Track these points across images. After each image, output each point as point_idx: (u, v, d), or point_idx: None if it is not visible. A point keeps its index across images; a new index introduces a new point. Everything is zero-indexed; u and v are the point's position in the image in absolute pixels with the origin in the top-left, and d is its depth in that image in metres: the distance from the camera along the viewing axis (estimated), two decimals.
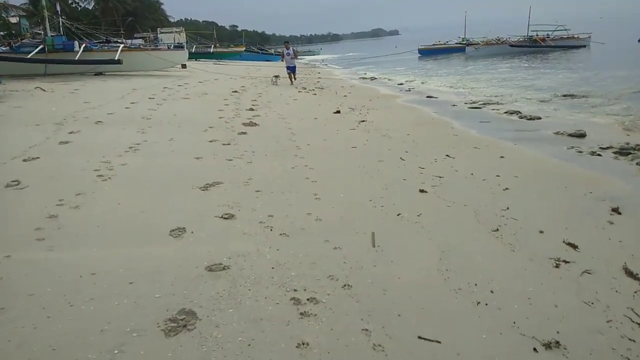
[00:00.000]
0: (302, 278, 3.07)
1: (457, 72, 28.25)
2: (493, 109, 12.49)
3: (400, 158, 6.62)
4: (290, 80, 18.71)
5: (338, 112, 11.18)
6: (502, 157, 6.85)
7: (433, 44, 50.96)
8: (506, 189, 5.26)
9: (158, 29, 59.37)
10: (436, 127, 9.56)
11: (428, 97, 15.87)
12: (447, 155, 6.83)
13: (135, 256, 3.33)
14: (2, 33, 36.37)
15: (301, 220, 4.08)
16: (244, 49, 49.13)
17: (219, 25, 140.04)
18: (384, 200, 4.71)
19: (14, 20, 44.16)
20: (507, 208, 4.59)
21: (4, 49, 21.49)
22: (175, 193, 4.71)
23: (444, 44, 50.57)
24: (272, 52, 59.70)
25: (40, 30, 24.21)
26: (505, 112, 11.82)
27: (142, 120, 9.02)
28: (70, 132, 7.66)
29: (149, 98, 12.69)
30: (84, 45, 21.34)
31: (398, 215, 4.30)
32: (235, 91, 15.36)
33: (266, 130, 8.59)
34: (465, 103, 13.86)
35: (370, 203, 4.62)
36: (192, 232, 3.72)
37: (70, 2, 65.96)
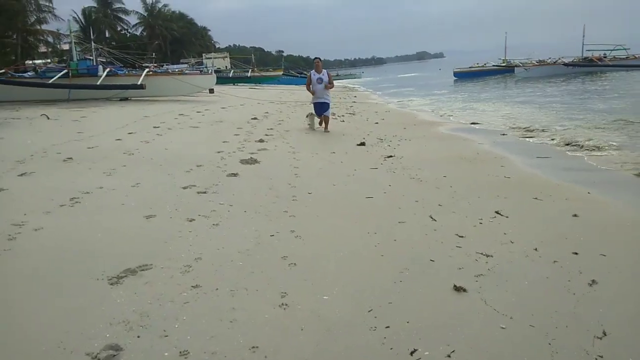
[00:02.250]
0: None
1: (504, 95, 25.89)
2: (551, 140, 10.33)
3: (430, 217, 4.74)
4: (322, 125, 11.33)
5: (362, 144, 9.39)
6: (575, 215, 4.83)
7: (470, 67, 48.54)
8: (593, 282, 3.29)
9: (203, 54, 60.10)
10: (482, 165, 7.57)
11: (472, 123, 13.85)
12: (497, 213, 4.89)
13: None
14: (56, 59, 37.26)
15: None
16: (281, 72, 48.24)
17: (266, 50, 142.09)
18: (393, 311, 2.85)
19: (66, 47, 45.49)
20: (604, 334, 2.63)
21: (30, 74, 21.10)
22: (65, 291, 3.02)
23: (482, 66, 47.99)
24: None
25: (89, 56, 23.93)
26: (567, 145, 9.64)
27: (121, 157, 7.54)
28: (21, 174, 6.22)
29: (153, 127, 11.34)
30: (107, 69, 20.62)
31: (412, 354, 2.43)
32: (255, 118, 13.87)
33: (265, 169, 6.90)
34: (517, 132, 11.76)
35: (369, 317, 2.77)
36: None
37: (119, 29, 68.29)
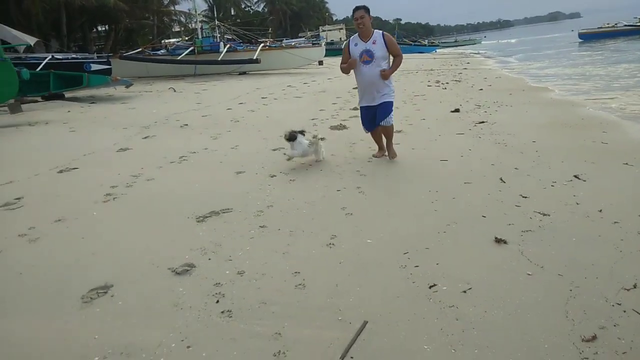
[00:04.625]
0: None
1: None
2: None
3: (500, 179, 4.80)
4: (382, 147, 5.84)
5: (457, 110, 9.32)
6: None
7: (598, 28, 44.08)
8: None
9: (320, 27, 61.35)
10: (582, 131, 7.19)
11: (588, 90, 12.79)
12: (575, 177, 4.79)
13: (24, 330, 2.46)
14: (186, 38, 40.95)
15: (265, 291, 2.80)
16: None
17: (383, 19, 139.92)
18: (427, 255, 3.14)
19: (195, 25, 49.46)
20: (634, 286, 2.67)
21: (162, 51, 23.57)
22: (162, 225, 3.79)
23: (612, 26, 43.28)
24: (426, 43, 57.06)
25: (216, 34, 26.15)
26: None
27: (228, 124, 8.46)
28: (145, 137, 7.38)
29: (261, 98, 12.30)
30: (228, 46, 22.26)
31: (430, 287, 2.74)
32: (357, 87, 14.20)
33: (351, 134, 7.30)
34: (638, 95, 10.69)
35: (402, 258, 3.10)
36: (113, 297, 2.71)
37: (243, 6, 72.08)
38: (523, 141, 6.47)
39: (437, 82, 15.31)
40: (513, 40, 62.41)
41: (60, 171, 5.43)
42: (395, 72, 5.57)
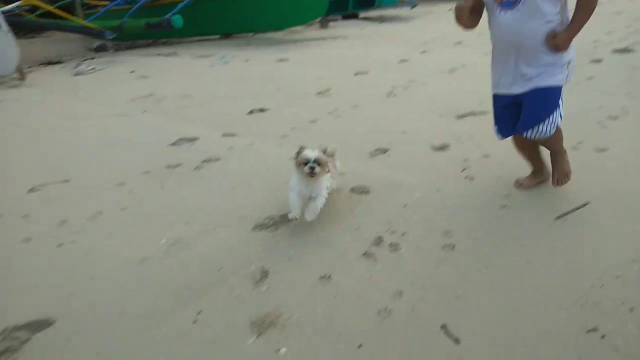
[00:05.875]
0: None
1: None
2: None
3: None
4: (538, 167, 3.12)
5: None
6: None
7: None
8: None
9: None
10: None
11: None
12: None
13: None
14: None
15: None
16: None
17: None
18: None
19: None
20: None
21: None
22: (429, 117, 4.70)
23: None
24: None
25: None
26: None
27: None
28: (422, 52, 8.34)
29: None
30: None
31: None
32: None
33: (636, 60, 6.71)
34: None
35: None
36: (389, 155, 3.78)
37: None
38: None
39: None
40: None
41: (356, 74, 6.86)
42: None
